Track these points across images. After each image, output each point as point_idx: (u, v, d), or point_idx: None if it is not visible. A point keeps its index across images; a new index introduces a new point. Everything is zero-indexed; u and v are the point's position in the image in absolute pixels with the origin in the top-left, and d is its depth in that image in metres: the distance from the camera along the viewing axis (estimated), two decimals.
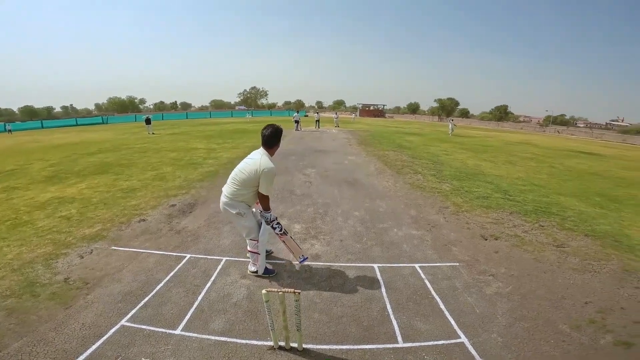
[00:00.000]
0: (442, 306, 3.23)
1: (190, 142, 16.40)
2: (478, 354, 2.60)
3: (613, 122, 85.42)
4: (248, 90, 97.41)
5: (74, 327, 2.87)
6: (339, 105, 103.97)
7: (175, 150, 13.49)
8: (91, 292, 3.43)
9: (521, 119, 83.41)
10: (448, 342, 2.75)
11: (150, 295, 3.35)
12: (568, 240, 4.97)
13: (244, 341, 2.75)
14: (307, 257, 3.83)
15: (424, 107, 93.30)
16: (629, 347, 2.71)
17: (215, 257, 4.14)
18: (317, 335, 2.83)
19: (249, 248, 3.61)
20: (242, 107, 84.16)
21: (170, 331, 2.84)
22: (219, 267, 3.91)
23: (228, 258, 4.12)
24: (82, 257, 4.21)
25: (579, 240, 4.99)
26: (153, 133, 22.47)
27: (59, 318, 2.99)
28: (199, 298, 3.31)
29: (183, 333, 2.82)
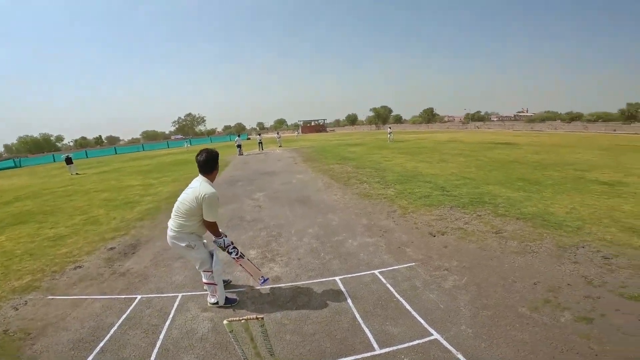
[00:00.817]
0: (408, 307, 3.37)
1: (123, 180, 15.23)
2: (454, 348, 2.73)
3: (520, 114, 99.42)
4: (183, 117, 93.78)
5: None
6: (280, 124, 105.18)
7: (107, 190, 12.42)
8: (37, 341, 3.10)
9: (446, 119, 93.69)
10: (422, 341, 2.86)
11: (104, 340, 3.10)
12: (504, 225, 5.58)
13: None
14: (267, 279, 3.86)
15: (361, 117, 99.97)
16: (590, 322, 2.94)
17: (169, 295, 3.95)
18: (293, 356, 2.83)
19: (204, 280, 3.54)
20: (179, 136, 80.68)
21: None
22: (176, 303, 3.74)
23: (184, 293, 3.96)
24: (17, 309, 3.77)
25: (513, 224, 5.64)
26: (77, 173, 20.49)
27: None
28: (161, 337, 3.14)
29: None
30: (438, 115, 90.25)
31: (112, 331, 3.28)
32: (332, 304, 3.59)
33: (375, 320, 3.25)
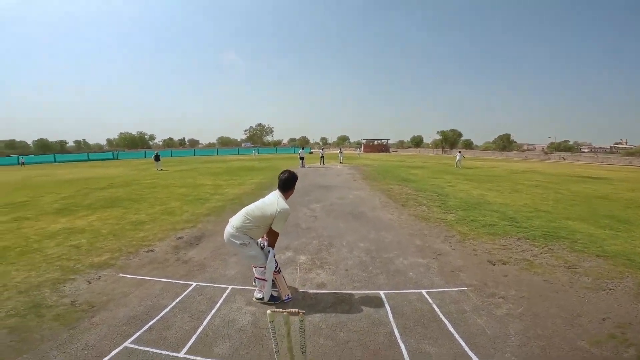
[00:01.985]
0: (451, 329, 3.17)
1: (197, 179, 16.73)
2: None
3: (617, 145, 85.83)
4: (254, 127, 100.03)
5: (76, 347, 2.87)
6: (343, 141, 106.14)
7: (184, 187, 13.76)
8: (96, 314, 3.45)
9: (525, 147, 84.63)
10: None
11: (155, 319, 3.35)
12: (579, 261, 4.94)
13: None
14: (291, 298, 3.84)
15: (427, 139, 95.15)
16: None
17: (221, 286, 4.15)
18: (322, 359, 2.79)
19: (256, 275, 3.66)
20: (249, 144, 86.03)
21: (174, 354, 2.82)
22: (225, 294, 3.92)
23: (234, 286, 4.13)
24: (90, 283, 4.25)
25: (591, 260, 4.96)
26: (162, 169, 23.00)
27: (62, 338, 2.99)
28: (204, 323, 3.30)
29: (187, 356, 2.80)
30: (515, 142, 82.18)
31: (163, 312, 3.52)
32: (372, 316, 3.45)
33: (413, 337, 3.06)
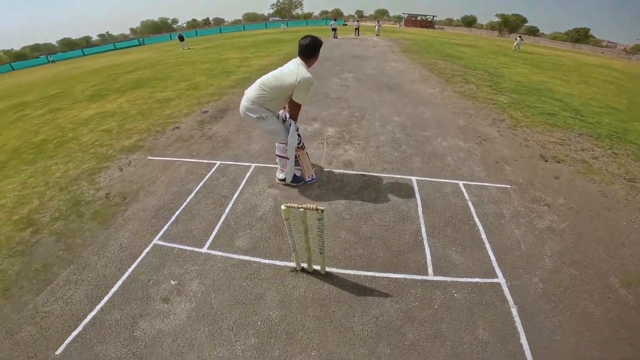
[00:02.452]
0: (483, 236, 2.78)
1: (223, 54, 15.61)
2: (512, 299, 2.24)
3: None
4: (281, 0, 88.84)
5: (112, 249, 2.86)
6: (381, 14, 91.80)
7: (209, 62, 12.96)
8: (129, 207, 3.43)
9: (604, 43, 67.61)
10: (483, 280, 2.38)
11: (180, 209, 3.27)
12: None
13: (267, 261, 2.59)
14: (315, 179, 3.49)
15: (482, 21, 77.98)
16: None
17: (244, 164, 3.95)
18: (342, 257, 2.58)
19: (277, 152, 3.32)
20: (277, 19, 77.96)
21: (198, 249, 2.75)
22: (248, 174, 3.73)
23: (257, 164, 3.91)
24: (122, 170, 4.24)
25: None
26: (188, 48, 21.79)
27: (100, 240, 2.99)
28: (226, 211, 3.18)
29: (209, 252, 2.73)
30: (593, 37, 64.45)
31: (188, 199, 3.42)
32: (400, 208, 3.12)
33: (440, 241, 2.73)
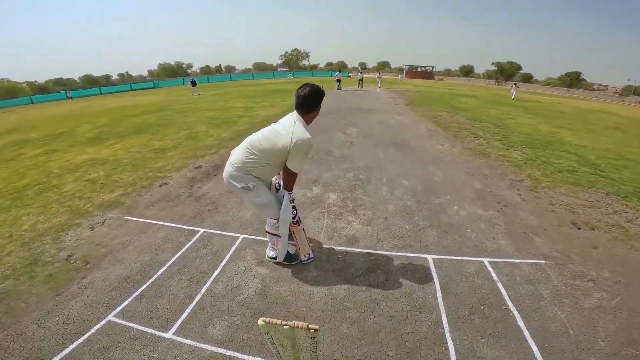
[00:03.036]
0: (520, 323, 2.25)
1: (229, 102, 15.81)
2: None
3: None
4: (289, 52, 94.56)
5: (58, 319, 2.34)
6: (383, 66, 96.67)
7: (214, 110, 12.97)
8: (88, 274, 2.87)
9: (595, 87, 70.56)
10: None
11: (148, 283, 2.70)
12: None
13: (246, 357, 2.01)
14: (313, 258, 2.94)
15: (479, 70, 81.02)
16: None
17: (231, 234, 3.39)
18: (342, 357, 2.00)
19: (267, 228, 2.76)
20: (284, 69, 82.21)
21: (161, 333, 2.18)
22: (234, 247, 3.16)
23: (246, 236, 3.35)
24: (93, 229, 3.70)
25: None
26: (199, 94, 22.31)
27: (46, 307, 2.47)
28: (203, 290, 2.60)
29: (175, 337, 2.15)
30: (585, 81, 67.51)
31: (159, 272, 2.86)
32: (414, 294, 2.53)
33: (467, 333, 2.17)
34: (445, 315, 2.32)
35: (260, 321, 1.44)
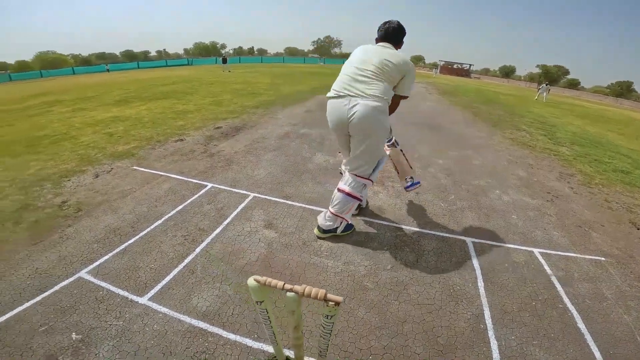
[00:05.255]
0: (581, 325, 1.77)
1: (257, 78, 15.31)
2: None
3: None
4: (322, 39, 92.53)
5: (24, 272, 1.92)
6: (417, 60, 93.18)
7: (241, 83, 12.54)
8: (75, 222, 2.47)
9: None
10: None
11: (136, 237, 2.27)
12: None
13: (232, 336, 1.55)
14: (418, 183, 2.48)
15: (520, 72, 73.64)
16: None
17: (240, 191, 2.93)
18: (355, 350, 1.50)
19: (346, 188, 2.14)
20: (315, 55, 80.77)
21: (134, 297, 1.74)
22: (241, 205, 2.69)
23: (257, 195, 2.87)
24: (97, 176, 3.33)
25: None
26: (229, 71, 21.98)
27: (16, 258, 2.07)
28: (197, 250, 2.14)
29: (149, 304, 1.71)
30: (636, 92, 59.28)
31: (153, 225, 2.43)
32: (451, 280, 2.01)
33: (516, 332, 1.67)
34: (488, 309, 1.80)
35: (251, 280, 0.95)
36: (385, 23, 2.10)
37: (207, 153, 3.98)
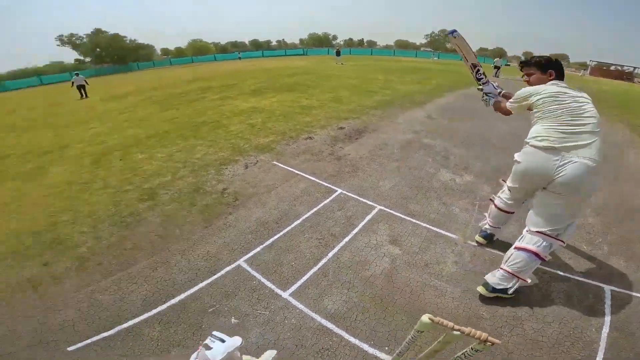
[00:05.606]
0: None
1: (370, 73, 15.38)
2: None
3: None
4: (437, 32, 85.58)
5: (199, 253, 2.51)
6: (560, 59, 77.80)
7: (355, 78, 12.85)
8: (235, 211, 3.08)
9: None
10: None
11: (280, 234, 2.71)
12: None
13: (352, 339, 1.79)
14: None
15: None
16: None
17: (367, 202, 3.16)
18: None
19: (535, 249, 1.90)
20: (428, 49, 75.48)
21: (279, 291, 2.12)
22: (368, 217, 2.91)
23: (382, 208, 3.06)
24: (247, 167, 4.03)
25: None
26: (342, 63, 22.60)
27: (193, 239, 2.69)
28: (329, 255, 2.45)
29: (290, 299, 2.06)
30: None
31: (293, 224, 2.84)
32: (573, 323, 1.89)
33: None
34: (603, 352, 1.69)
35: (425, 318, 1.12)
36: (555, 61, 2.04)
37: (334, 155, 4.34)
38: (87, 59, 35.68)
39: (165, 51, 48.13)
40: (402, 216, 2.89)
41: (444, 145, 4.74)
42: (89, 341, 1.81)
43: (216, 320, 1.93)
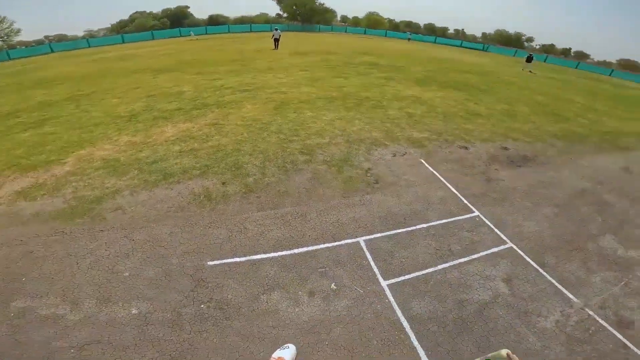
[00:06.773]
0: None
1: (568, 93, 12.50)
2: None
3: None
4: None
5: (330, 218, 2.95)
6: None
7: (544, 95, 10.83)
8: (372, 193, 3.44)
9: None
10: None
11: (404, 230, 2.94)
12: None
13: (415, 343, 2.01)
14: None
15: None
16: None
17: (501, 236, 3.03)
18: None
19: None
20: None
21: (380, 278, 2.41)
22: (495, 249, 2.84)
23: (514, 247, 2.89)
24: (394, 155, 4.25)
25: None
26: (530, 71, 19.18)
27: (331, 203, 3.15)
28: (439, 267, 2.59)
29: (385, 288, 2.35)
30: None
31: (416, 227, 3.04)
32: None
33: None
34: None
35: (503, 352, 1.34)
36: None
37: (485, 175, 4.12)
38: (285, 15, 41.77)
39: (344, 18, 51.35)
40: (530, 262, 2.72)
41: (627, 210, 3.82)
42: (225, 261, 2.45)
43: (320, 279, 2.34)
